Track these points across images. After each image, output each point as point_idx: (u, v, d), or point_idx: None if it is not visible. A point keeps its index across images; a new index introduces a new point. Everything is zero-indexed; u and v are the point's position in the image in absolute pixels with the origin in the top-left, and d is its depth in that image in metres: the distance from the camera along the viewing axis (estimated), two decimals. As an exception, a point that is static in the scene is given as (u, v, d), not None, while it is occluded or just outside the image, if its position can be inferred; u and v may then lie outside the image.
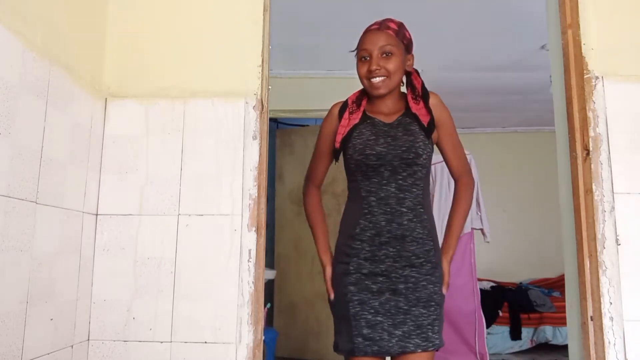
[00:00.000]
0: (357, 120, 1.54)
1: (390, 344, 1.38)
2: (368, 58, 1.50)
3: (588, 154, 1.62)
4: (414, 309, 1.41)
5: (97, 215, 1.67)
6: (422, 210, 1.48)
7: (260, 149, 1.71)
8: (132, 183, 1.69)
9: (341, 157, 1.60)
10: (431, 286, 1.44)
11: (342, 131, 1.54)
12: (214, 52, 1.78)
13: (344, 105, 1.59)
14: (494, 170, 5.92)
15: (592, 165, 1.61)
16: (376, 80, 1.49)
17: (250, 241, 1.65)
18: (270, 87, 1.83)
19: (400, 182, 1.47)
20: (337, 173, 5.02)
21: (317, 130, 1.68)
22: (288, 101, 4.16)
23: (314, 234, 1.67)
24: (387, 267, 1.43)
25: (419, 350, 1.38)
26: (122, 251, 1.65)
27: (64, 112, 1.47)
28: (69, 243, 1.51)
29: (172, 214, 1.66)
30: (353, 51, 1.58)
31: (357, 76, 1.56)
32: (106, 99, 1.74)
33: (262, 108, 1.74)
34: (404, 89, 1.63)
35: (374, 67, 1.47)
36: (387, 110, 1.56)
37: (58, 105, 1.43)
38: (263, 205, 1.70)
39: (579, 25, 1.70)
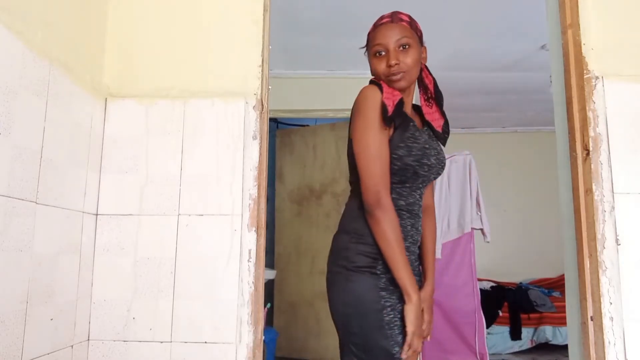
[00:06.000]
0: (400, 96, 1.37)
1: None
2: (384, 53, 1.41)
3: (588, 154, 1.62)
4: None
5: (97, 215, 1.67)
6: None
7: (260, 149, 1.71)
8: (132, 183, 1.69)
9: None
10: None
11: (391, 98, 1.34)
12: (214, 52, 1.78)
13: (375, 83, 1.42)
14: (494, 170, 5.92)
15: (592, 165, 1.61)
16: (395, 77, 1.40)
17: (250, 241, 1.65)
18: (270, 87, 1.83)
19: (422, 189, 1.46)
20: (336, 173, 5.05)
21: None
22: (288, 101, 4.17)
23: (401, 259, 1.29)
24: None
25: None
26: (122, 251, 1.65)
27: (64, 112, 1.47)
28: (69, 243, 1.51)
29: (172, 214, 1.66)
30: (362, 48, 1.50)
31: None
32: (106, 99, 1.74)
33: (262, 108, 1.74)
34: None
35: (393, 62, 1.38)
36: (409, 110, 1.48)
37: (58, 105, 1.43)
38: (263, 205, 1.70)
39: (579, 25, 1.70)
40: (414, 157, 1.37)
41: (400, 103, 1.36)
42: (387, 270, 1.33)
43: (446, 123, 1.50)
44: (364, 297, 1.32)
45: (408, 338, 1.29)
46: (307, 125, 4.98)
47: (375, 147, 1.32)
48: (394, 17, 1.43)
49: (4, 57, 1.20)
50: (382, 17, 1.45)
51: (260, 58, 1.77)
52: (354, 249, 1.36)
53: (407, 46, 1.40)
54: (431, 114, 1.49)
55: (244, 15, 1.80)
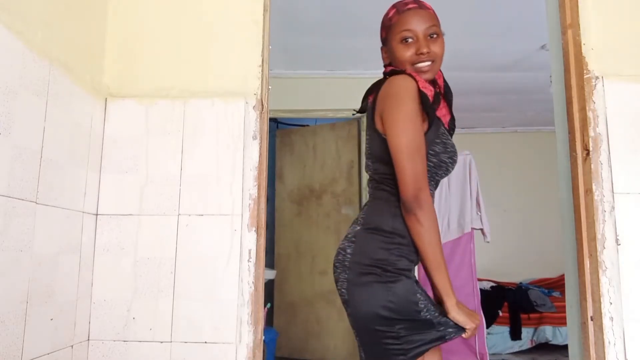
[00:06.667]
0: (433, 89, 1.33)
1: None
2: (411, 40, 1.34)
3: (588, 154, 1.62)
4: None
5: (97, 215, 1.67)
6: None
7: (260, 149, 1.71)
8: (132, 183, 1.69)
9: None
10: None
11: (429, 90, 1.30)
12: (214, 52, 1.79)
13: (403, 72, 1.35)
14: (494, 170, 5.92)
15: (592, 165, 1.61)
16: (424, 65, 1.34)
17: (250, 241, 1.65)
18: (270, 87, 1.83)
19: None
20: (336, 173, 5.05)
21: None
22: (288, 101, 4.17)
23: (442, 261, 1.25)
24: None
25: None
26: (122, 251, 1.65)
27: (64, 112, 1.47)
28: (69, 243, 1.51)
29: (172, 214, 1.66)
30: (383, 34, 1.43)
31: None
32: (106, 99, 1.74)
33: (262, 108, 1.74)
34: None
35: (424, 50, 1.32)
36: None
37: (58, 105, 1.43)
38: (263, 205, 1.70)
39: (579, 25, 1.71)
40: (449, 153, 1.34)
41: (437, 95, 1.32)
42: (413, 275, 1.33)
43: (452, 119, 1.45)
44: (407, 299, 1.27)
45: (468, 334, 1.29)
46: (307, 125, 4.98)
47: (416, 141, 1.24)
48: (421, 4, 1.37)
49: (4, 57, 1.20)
50: (404, 3, 1.38)
51: (260, 58, 1.77)
52: (397, 251, 1.29)
53: (435, 35, 1.35)
54: (439, 110, 1.43)
55: (244, 15, 1.80)
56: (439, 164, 1.33)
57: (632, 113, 1.64)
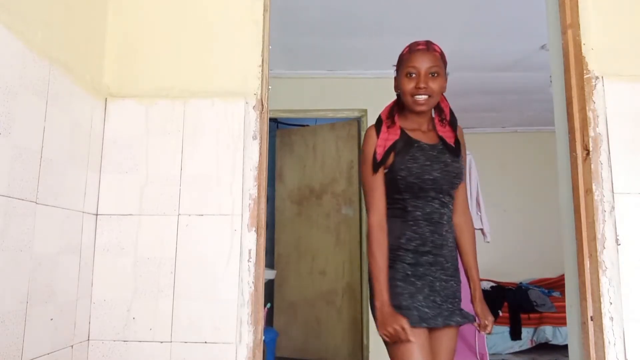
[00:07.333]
0: (397, 136, 1.61)
1: (436, 321, 1.57)
2: (414, 75, 1.58)
3: (588, 154, 1.62)
4: (443, 304, 1.61)
5: (97, 215, 1.67)
6: (452, 222, 1.68)
7: (260, 149, 1.71)
8: (132, 183, 1.69)
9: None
10: (455, 284, 1.68)
11: (383, 145, 1.60)
12: (214, 52, 1.79)
13: (378, 122, 1.66)
14: (494, 170, 5.93)
15: (592, 165, 1.61)
16: (421, 97, 1.58)
17: (250, 241, 1.65)
18: (270, 87, 1.83)
19: (442, 199, 1.61)
20: (336, 173, 5.04)
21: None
22: (288, 101, 4.17)
23: (380, 275, 1.54)
24: (425, 270, 1.59)
25: (452, 324, 1.62)
26: (122, 251, 1.65)
27: (64, 112, 1.47)
28: (69, 243, 1.51)
29: (172, 214, 1.66)
30: (394, 66, 1.70)
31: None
32: (106, 99, 1.74)
33: (262, 108, 1.74)
34: None
35: (422, 85, 1.57)
36: (423, 128, 1.66)
37: (58, 105, 1.43)
38: (263, 205, 1.70)
39: (579, 25, 1.71)
40: (414, 175, 1.57)
41: (392, 146, 1.59)
42: (405, 269, 1.57)
43: (457, 141, 1.67)
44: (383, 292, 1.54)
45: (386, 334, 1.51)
46: (307, 125, 4.98)
47: (369, 184, 1.61)
48: (429, 46, 1.62)
49: (4, 57, 1.20)
50: (417, 43, 1.63)
51: (260, 58, 1.77)
52: (391, 256, 1.59)
53: (436, 74, 1.59)
54: (444, 132, 1.67)
55: (244, 15, 1.80)
56: (409, 184, 1.58)
57: (632, 113, 1.64)
